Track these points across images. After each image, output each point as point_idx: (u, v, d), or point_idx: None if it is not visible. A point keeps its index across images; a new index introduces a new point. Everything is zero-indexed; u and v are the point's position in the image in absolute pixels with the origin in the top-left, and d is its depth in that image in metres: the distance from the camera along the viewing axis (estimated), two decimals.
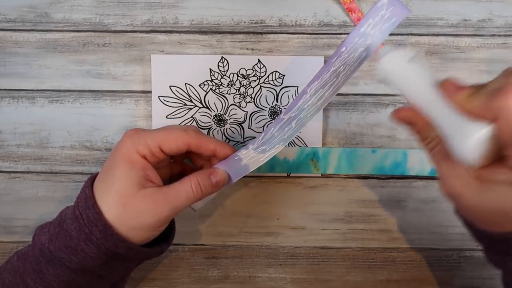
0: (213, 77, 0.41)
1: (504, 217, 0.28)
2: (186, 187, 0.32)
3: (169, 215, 0.32)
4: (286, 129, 0.34)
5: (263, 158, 0.34)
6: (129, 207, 0.31)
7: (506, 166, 0.26)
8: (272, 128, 0.34)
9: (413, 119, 0.29)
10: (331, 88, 0.32)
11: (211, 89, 0.41)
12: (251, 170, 0.35)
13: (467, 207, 0.29)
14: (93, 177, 0.33)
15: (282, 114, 0.34)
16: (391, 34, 0.41)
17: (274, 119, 0.42)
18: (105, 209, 0.31)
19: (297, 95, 0.41)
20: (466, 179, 0.28)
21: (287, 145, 0.42)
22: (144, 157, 0.32)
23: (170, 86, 0.41)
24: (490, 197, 0.28)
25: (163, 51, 0.42)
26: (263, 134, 0.34)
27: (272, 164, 0.42)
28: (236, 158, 0.34)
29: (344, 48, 0.31)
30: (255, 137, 0.42)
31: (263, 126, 0.42)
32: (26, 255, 0.32)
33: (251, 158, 0.34)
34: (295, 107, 0.33)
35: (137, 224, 0.31)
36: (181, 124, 0.42)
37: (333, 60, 0.32)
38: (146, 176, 0.32)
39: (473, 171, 0.28)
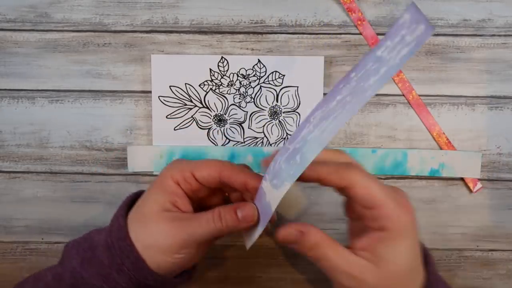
0: (213, 77, 0.41)
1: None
2: (207, 216, 0.31)
3: (185, 240, 0.31)
4: (292, 162, 0.28)
5: (278, 195, 0.29)
6: (148, 226, 0.31)
7: (362, 236, 0.28)
8: (280, 158, 0.29)
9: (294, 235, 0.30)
10: (335, 121, 0.26)
11: (211, 89, 0.41)
12: (273, 210, 0.30)
13: None
14: (126, 203, 0.34)
15: (287, 143, 0.29)
16: None
17: (274, 119, 0.42)
18: (132, 234, 0.31)
19: (297, 95, 0.41)
20: (358, 262, 0.28)
21: None
22: (177, 183, 0.32)
23: (170, 86, 0.41)
24: (382, 270, 0.28)
25: (163, 51, 0.42)
26: (272, 163, 0.30)
27: None
28: (261, 191, 0.31)
29: (353, 74, 0.25)
30: (255, 137, 0.42)
31: (263, 126, 0.42)
32: (61, 276, 0.32)
33: (270, 192, 0.30)
34: (299, 137, 0.28)
35: (152, 242, 0.31)
36: (181, 124, 0.42)
37: (340, 86, 0.26)
38: (173, 201, 0.32)
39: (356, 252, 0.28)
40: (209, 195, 0.35)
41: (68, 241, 0.34)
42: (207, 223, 0.31)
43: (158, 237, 0.31)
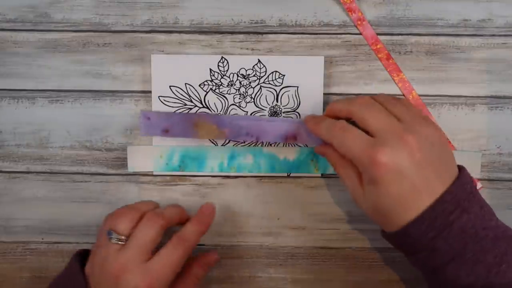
0: (213, 77, 0.41)
1: (380, 216, 0.33)
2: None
3: None
4: None
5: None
6: None
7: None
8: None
9: (322, 151, 0.38)
10: None
11: (211, 89, 0.41)
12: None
13: (363, 210, 0.34)
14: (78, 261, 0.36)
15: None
16: (391, 34, 0.41)
17: None
18: None
19: (297, 95, 0.41)
20: (356, 183, 0.34)
21: (287, 145, 0.42)
22: None
23: (170, 86, 0.41)
24: (366, 197, 0.33)
25: (163, 51, 0.42)
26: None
27: (272, 164, 0.42)
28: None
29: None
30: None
31: None
32: None
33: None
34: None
35: None
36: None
37: None
38: None
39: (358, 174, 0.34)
40: None
41: None
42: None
43: None
